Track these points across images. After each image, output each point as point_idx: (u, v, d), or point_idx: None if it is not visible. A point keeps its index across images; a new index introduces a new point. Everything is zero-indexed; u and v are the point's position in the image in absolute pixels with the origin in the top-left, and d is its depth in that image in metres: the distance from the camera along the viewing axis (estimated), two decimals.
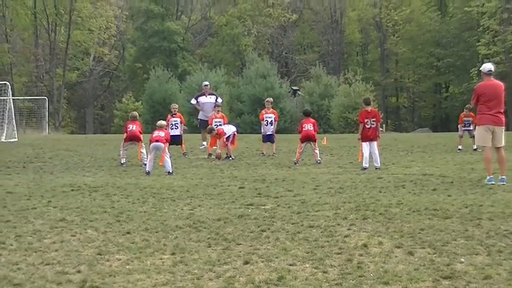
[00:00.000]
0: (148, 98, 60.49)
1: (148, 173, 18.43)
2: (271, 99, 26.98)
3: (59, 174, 18.78)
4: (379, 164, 19.13)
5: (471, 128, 24.66)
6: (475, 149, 23.66)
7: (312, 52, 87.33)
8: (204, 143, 26.35)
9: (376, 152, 19.38)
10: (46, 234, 10.00)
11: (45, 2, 72.52)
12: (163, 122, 20.53)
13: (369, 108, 19.86)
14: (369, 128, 19.40)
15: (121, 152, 21.82)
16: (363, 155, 19.25)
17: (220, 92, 48.04)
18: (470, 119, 24.84)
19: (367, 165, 18.85)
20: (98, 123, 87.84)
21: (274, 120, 25.11)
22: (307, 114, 22.87)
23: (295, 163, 21.03)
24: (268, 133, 24.96)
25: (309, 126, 21.61)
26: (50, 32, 73.10)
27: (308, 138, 21.56)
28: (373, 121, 19.45)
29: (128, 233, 10.01)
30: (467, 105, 25.89)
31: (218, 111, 25.09)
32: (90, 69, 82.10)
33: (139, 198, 13.58)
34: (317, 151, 21.64)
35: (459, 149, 24.75)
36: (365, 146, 19.30)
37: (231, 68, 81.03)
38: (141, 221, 10.91)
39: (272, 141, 24.90)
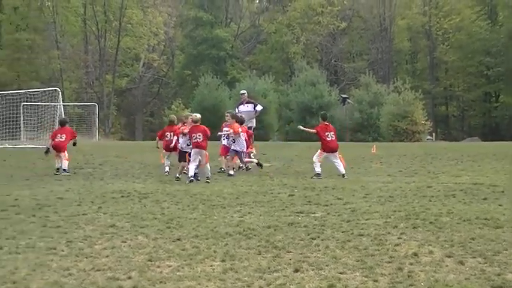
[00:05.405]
0: (198, 105, 60.66)
1: (194, 178, 18.38)
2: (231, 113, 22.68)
3: (109, 181, 18.97)
4: (344, 171, 19.63)
5: None
6: None
7: (361, 60, 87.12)
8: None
9: (338, 160, 19.89)
10: (97, 240, 10.11)
11: (95, 8, 73.34)
12: (198, 116, 19.49)
13: (327, 122, 20.44)
14: (330, 140, 19.90)
15: (165, 160, 21.48)
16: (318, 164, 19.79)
17: (269, 99, 47.98)
18: None
19: (320, 171, 19.54)
20: (147, 129, 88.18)
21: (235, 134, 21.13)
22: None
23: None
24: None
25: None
26: (100, 39, 73.91)
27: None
28: (332, 134, 19.98)
29: (178, 239, 10.07)
30: None
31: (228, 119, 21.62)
32: (140, 76, 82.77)
33: (189, 205, 13.65)
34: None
35: None
36: (323, 156, 19.94)
37: (280, 75, 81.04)
38: (191, 227, 10.95)
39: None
